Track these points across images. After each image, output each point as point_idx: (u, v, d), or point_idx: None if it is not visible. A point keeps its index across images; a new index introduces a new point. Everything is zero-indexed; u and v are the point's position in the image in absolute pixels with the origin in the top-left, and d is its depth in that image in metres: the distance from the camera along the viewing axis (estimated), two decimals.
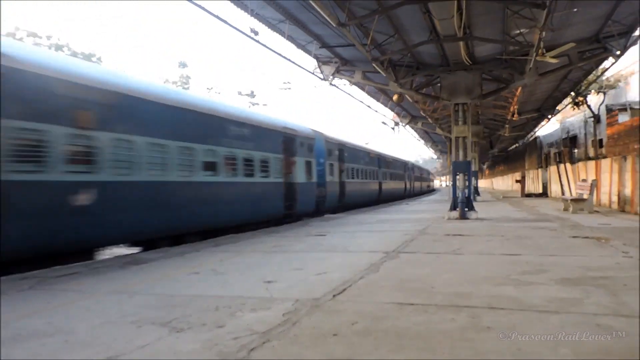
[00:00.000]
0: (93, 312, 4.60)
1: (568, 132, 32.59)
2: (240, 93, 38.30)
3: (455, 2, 10.78)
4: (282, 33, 14.19)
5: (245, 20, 12.54)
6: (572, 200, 16.16)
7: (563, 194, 23.26)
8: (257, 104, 40.43)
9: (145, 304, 4.83)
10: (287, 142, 16.46)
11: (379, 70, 15.29)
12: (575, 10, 12.31)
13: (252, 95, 38.68)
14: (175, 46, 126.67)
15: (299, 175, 17.28)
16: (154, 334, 3.82)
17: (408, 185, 42.20)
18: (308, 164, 18.23)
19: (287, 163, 16.40)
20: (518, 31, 13.20)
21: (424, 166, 72.67)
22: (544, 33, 11.72)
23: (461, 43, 13.64)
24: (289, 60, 16.31)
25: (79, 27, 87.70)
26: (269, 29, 14.00)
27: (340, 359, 3.16)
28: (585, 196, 16.04)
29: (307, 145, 18.33)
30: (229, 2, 11.78)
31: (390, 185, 34.72)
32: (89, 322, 4.24)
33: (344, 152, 23.88)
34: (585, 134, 29.58)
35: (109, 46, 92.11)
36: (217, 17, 11.43)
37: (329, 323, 3.96)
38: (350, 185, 24.58)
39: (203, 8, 10.84)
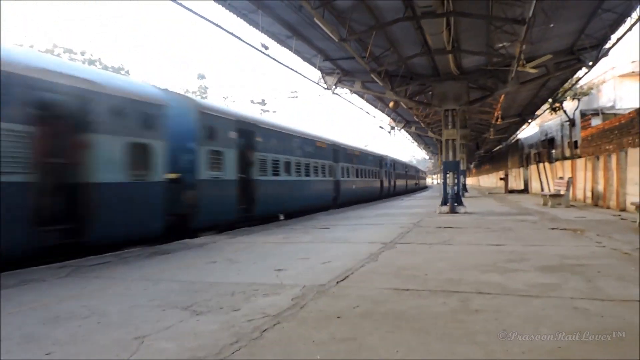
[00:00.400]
0: (123, 297, 4.62)
1: (546, 135, 32.37)
2: (252, 101, 38.20)
3: (445, 19, 10.74)
4: (289, 47, 14.17)
5: (256, 36, 12.55)
6: (550, 195, 16.07)
7: (542, 190, 23.14)
8: (268, 111, 40.35)
9: (169, 290, 4.84)
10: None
11: (377, 80, 15.26)
12: (552, 25, 12.23)
13: (263, 103, 38.61)
14: (193, 59, 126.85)
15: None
16: (177, 316, 3.82)
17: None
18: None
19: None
20: (501, 44, 13.15)
21: (417, 166, 71.91)
22: (524, 46, 11.64)
23: (450, 55, 13.60)
24: (296, 71, 16.28)
25: (109, 40, 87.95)
26: (278, 44, 13.99)
27: (344, 338, 3.15)
28: (562, 192, 15.96)
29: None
30: (242, 20, 11.78)
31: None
32: (120, 305, 4.25)
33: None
34: (562, 136, 29.37)
35: (135, 59, 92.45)
36: (232, 34, 11.43)
37: (333, 307, 3.95)
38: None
39: (219, 26, 10.85)
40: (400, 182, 39.24)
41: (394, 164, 36.37)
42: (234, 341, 3.15)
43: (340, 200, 21.79)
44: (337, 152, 21.93)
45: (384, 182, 32.04)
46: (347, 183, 23.23)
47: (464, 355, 2.77)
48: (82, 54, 41.52)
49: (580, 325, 3.21)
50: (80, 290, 5.00)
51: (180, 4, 9.56)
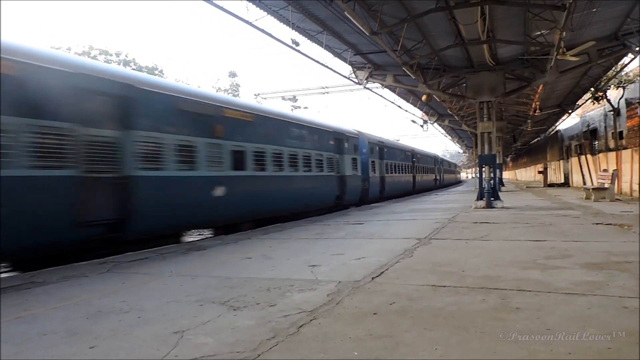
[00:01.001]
0: (161, 292, 4.73)
1: (588, 126, 31.21)
2: (283, 98, 38.31)
3: (479, 8, 10.48)
4: (320, 43, 14.18)
5: (287, 32, 12.62)
6: (593, 189, 15.49)
7: (584, 183, 22.34)
8: (299, 107, 40.44)
9: (205, 285, 4.93)
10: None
11: (409, 73, 15.07)
12: (594, 10, 11.75)
13: (294, 99, 38.68)
14: (225, 57, 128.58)
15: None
16: (214, 311, 3.89)
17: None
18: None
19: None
20: (539, 32, 12.72)
21: (450, 160, 71.14)
22: (564, 33, 11.23)
23: (485, 46, 13.28)
24: (327, 66, 16.29)
25: (144, 41, 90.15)
26: (309, 40, 14.01)
27: (381, 334, 3.14)
28: (606, 185, 15.35)
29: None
30: (273, 18, 11.85)
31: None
32: (158, 300, 4.36)
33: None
34: (605, 127, 28.25)
35: (170, 60, 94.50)
36: (263, 30, 11.50)
37: (369, 303, 3.93)
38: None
39: (250, 23, 10.94)
40: (446, 177, 48.65)
41: (442, 161, 46.88)
42: (271, 336, 3.18)
43: (415, 190, 31.34)
44: (413, 156, 31.36)
45: (437, 177, 41.27)
46: (419, 177, 33.10)
47: (506, 355, 2.71)
48: (117, 54, 42.59)
49: (631, 326, 3.07)
50: (120, 285, 5.16)
51: (215, 4, 9.68)
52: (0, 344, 3.24)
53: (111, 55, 42.03)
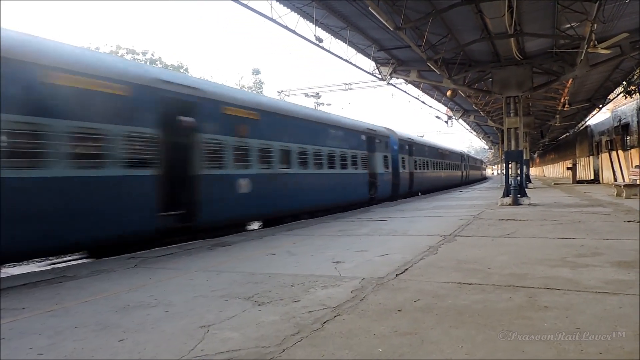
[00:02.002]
0: (187, 287, 4.81)
1: (620, 120, 30.25)
2: (306, 95, 38.36)
3: (506, 1, 10.27)
4: (343, 39, 14.15)
5: (310, 28, 12.66)
6: (625, 185, 15.04)
7: (615, 180, 21.71)
8: (322, 104, 40.45)
9: (231, 281, 4.99)
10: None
11: (433, 68, 14.91)
12: (627, 1, 11.37)
13: (317, 96, 38.69)
14: (249, 54, 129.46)
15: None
16: (239, 306, 3.93)
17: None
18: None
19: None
20: (568, 25, 12.38)
21: (475, 156, 70.24)
22: (595, 25, 10.92)
23: (512, 39, 13.01)
24: (350, 62, 16.24)
25: (171, 40, 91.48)
26: (332, 36, 13.99)
27: (405, 331, 3.12)
28: (638, 182, 14.89)
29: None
30: (297, 14, 11.88)
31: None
32: (184, 295, 4.43)
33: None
34: (638, 122, 27.34)
35: (191, 56, 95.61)
36: (286, 27, 11.54)
37: (393, 300, 3.92)
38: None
39: (274, 20, 10.99)
40: (472, 173, 49.56)
41: (468, 158, 47.88)
42: (296, 332, 3.20)
43: (442, 186, 31.81)
44: (442, 153, 32.03)
45: (463, 173, 41.94)
46: (446, 173, 33.37)
47: (534, 354, 2.66)
48: (144, 53, 43.34)
49: (603, 345, 2.96)
50: (147, 280, 5.26)
51: (240, 2, 9.76)
52: (0, 344, 3.31)
53: (138, 54, 42.77)
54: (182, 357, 2.87)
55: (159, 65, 41.74)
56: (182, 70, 45.14)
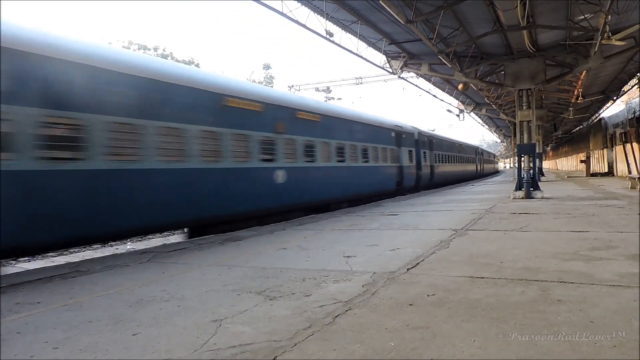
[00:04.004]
0: (199, 282, 4.84)
1: (634, 113, 29.74)
2: (317, 89, 38.25)
3: None
4: (354, 33, 14.08)
5: (321, 22, 12.65)
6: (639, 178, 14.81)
7: (630, 172, 21.38)
8: (333, 98, 40.35)
9: (242, 275, 5.01)
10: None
11: (445, 62, 14.77)
12: None
13: (328, 91, 38.57)
14: (260, 49, 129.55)
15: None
16: (251, 301, 3.95)
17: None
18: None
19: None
20: (582, 16, 12.18)
21: (488, 150, 69.75)
22: (609, 17, 10.72)
23: (524, 32, 12.83)
24: (361, 56, 16.15)
25: (181, 35, 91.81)
26: (343, 30, 13.93)
27: (417, 325, 3.11)
28: None
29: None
30: (308, 9, 11.84)
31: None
32: (197, 290, 4.46)
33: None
34: None
35: (202, 51, 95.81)
36: (296, 21, 11.51)
37: (404, 294, 3.90)
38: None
39: (284, 14, 10.96)
40: (486, 167, 50.69)
41: (482, 152, 49.16)
42: (307, 326, 3.20)
43: (460, 179, 32.82)
44: (460, 147, 33.74)
45: (477, 166, 43.07)
46: (463, 167, 34.82)
47: (548, 348, 2.63)
48: (155, 49, 43.59)
49: (604, 346, 2.91)
50: (160, 275, 5.31)
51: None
52: (0, 344, 3.36)
53: (149, 50, 43.05)
54: (195, 351, 2.89)
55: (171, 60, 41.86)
56: (193, 65, 45.27)
